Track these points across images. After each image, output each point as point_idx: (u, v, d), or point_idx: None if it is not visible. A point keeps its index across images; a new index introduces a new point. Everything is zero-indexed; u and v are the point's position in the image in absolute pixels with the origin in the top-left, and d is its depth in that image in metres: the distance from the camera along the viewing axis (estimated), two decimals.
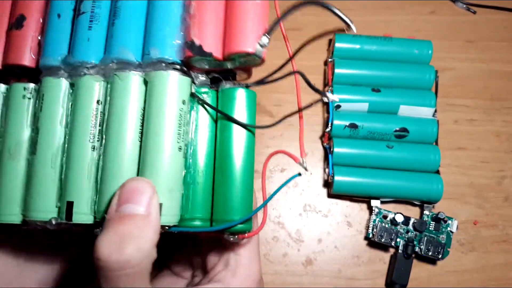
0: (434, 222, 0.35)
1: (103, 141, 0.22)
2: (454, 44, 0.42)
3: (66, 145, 0.23)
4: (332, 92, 0.36)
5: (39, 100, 0.23)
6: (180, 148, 0.22)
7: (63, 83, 0.24)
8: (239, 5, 0.23)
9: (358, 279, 0.35)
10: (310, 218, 0.37)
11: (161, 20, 0.23)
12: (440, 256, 0.34)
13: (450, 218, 0.35)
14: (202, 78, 0.24)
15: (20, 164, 0.24)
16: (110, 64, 0.23)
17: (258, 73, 0.25)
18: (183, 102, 0.22)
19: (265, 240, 0.36)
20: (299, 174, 0.24)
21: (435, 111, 0.37)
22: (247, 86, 0.24)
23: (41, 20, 0.25)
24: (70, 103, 0.23)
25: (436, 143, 0.36)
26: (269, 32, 0.22)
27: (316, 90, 0.22)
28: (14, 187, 0.24)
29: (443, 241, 0.34)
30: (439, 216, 0.34)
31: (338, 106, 0.36)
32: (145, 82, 0.23)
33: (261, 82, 0.24)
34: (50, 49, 0.24)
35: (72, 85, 0.24)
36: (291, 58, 0.24)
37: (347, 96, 0.36)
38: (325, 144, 0.37)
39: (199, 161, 0.23)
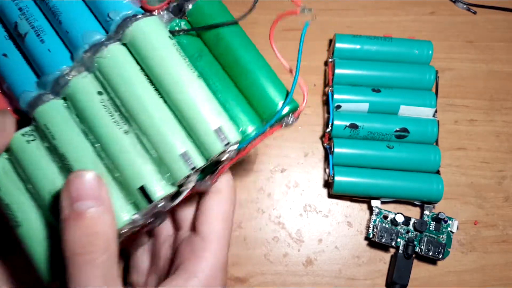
0: (434, 222, 0.35)
1: (131, 121, 0.22)
2: (454, 44, 0.42)
3: (98, 149, 0.22)
4: (332, 92, 0.36)
5: (45, 132, 0.22)
6: (199, 76, 0.22)
7: (56, 103, 0.22)
8: None
9: (358, 279, 0.35)
10: (311, 218, 0.37)
11: None
12: (440, 256, 0.34)
13: (450, 218, 0.35)
14: (166, 15, 0.24)
15: None
16: (85, 54, 0.22)
17: None
18: (170, 38, 0.22)
19: (265, 240, 0.36)
20: (309, 22, 0.23)
21: (436, 111, 0.37)
22: None
23: None
24: (75, 115, 0.22)
25: (436, 143, 0.36)
26: None
27: None
28: None
29: (443, 241, 0.34)
30: (439, 216, 0.34)
31: (339, 107, 0.37)
32: (125, 46, 0.22)
33: None
34: (19, 87, 0.23)
35: (64, 99, 0.23)
36: None
37: (347, 97, 0.36)
38: (325, 144, 0.37)
39: (216, 80, 0.23)
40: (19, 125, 0.23)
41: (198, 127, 0.21)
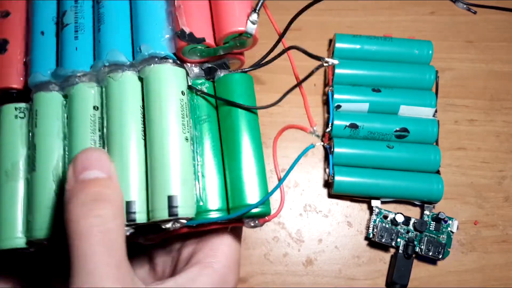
0: (434, 222, 0.35)
1: (105, 146, 0.22)
2: (454, 44, 0.42)
3: (66, 157, 0.22)
4: (332, 92, 0.36)
5: (33, 117, 0.23)
6: (186, 139, 0.21)
7: (56, 96, 0.23)
8: None
9: (358, 279, 0.35)
10: (311, 218, 0.37)
11: (148, 17, 0.23)
12: (440, 256, 0.34)
13: (450, 218, 0.35)
14: (196, 70, 0.24)
15: (19, 185, 0.23)
16: (102, 68, 0.22)
17: (251, 61, 0.25)
18: (182, 93, 0.22)
19: (265, 240, 0.36)
20: (313, 146, 0.24)
21: (436, 111, 0.37)
22: (242, 70, 0.24)
23: (24, 41, 0.25)
24: (66, 115, 0.23)
25: (437, 143, 0.36)
26: (256, 8, 0.22)
27: (314, 56, 0.21)
28: (14, 209, 0.22)
29: (443, 241, 0.34)
30: (439, 216, 0.34)
31: (339, 106, 0.37)
32: (140, 79, 0.22)
33: (257, 65, 0.24)
34: (37, 66, 0.24)
35: (65, 97, 0.23)
36: (281, 38, 0.24)
37: (347, 96, 0.36)
38: (325, 144, 0.37)
39: (205, 152, 0.23)
40: (18, 99, 0.24)
41: (158, 185, 0.20)
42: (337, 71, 0.37)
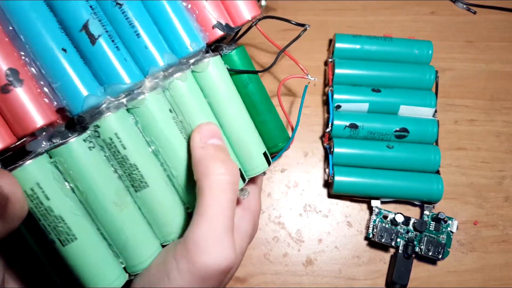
0: (434, 222, 0.35)
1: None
2: (454, 44, 0.42)
3: (161, 158, 0.23)
4: (332, 92, 0.36)
5: (110, 142, 0.21)
6: (246, 111, 0.27)
7: (125, 114, 0.22)
8: None
9: (358, 279, 0.35)
10: (311, 218, 0.37)
11: (181, 16, 0.24)
12: (440, 256, 0.34)
13: (450, 218, 0.35)
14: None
15: (135, 207, 0.22)
16: (162, 73, 0.23)
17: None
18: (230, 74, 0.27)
19: (265, 240, 0.36)
20: (309, 83, 0.30)
21: (435, 111, 0.37)
22: (232, 41, 0.28)
23: (36, 64, 0.20)
24: (139, 125, 0.22)
25: (436, 143, 0.36)
26: None
27: (290, 22, 0.29)
28: (143, 229, 0.23)
29: (443, 241, 0.34)
30: (439, 216, 0.34)
31: (339, 106, 0.37)
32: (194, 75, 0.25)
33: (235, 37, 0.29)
34: (81, 90, 0.20)
35: (128, 110, 0.22)
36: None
37: (347, 96, 0.36)
38: (325, 144, 0.37)
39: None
40: (67, 126, 0.21)
41: (252, 151, 0.26)
42: (337, 71, 0.37)
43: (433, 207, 0.36)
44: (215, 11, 0.25)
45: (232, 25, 0.26)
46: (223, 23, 0.25)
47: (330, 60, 0.38)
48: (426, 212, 0.35)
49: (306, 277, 0.35)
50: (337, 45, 0.38)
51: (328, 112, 0.37)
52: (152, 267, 0.22)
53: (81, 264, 0.21)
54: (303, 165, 0.38)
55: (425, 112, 0.37)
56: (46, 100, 0.20)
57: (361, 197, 0.36)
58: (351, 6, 0.43)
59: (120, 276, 0.22)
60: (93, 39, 0.20)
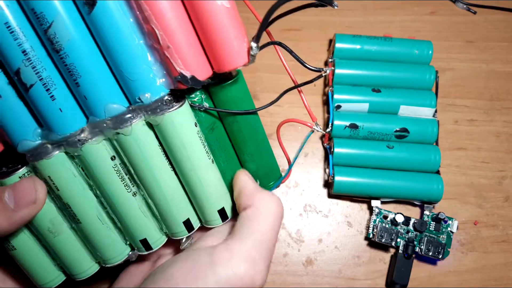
0: (434, 222, 0.35)
1: (141, 187, 0.24)
2: (454, 44, 0.42)
3: (103, 200, 0.24)
4: (332, 93, 0.36)
5: (46, 182, 0.23)
6: (212, 161, 0.24)
7: (61, 157, 0.22)
8: (208, 19, 0.19)
9: (358, 279, 0.35)
10: (311, 218, 0.37)
11: (130, 60, 0.20)
12: (440, 256, 0.34)
13: (450, 218, 0.35)
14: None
15: (69, 234, 0.25)
16: (104, 125, 0.21)
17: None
18: (195, 125, 0.23)
19: None
20: (312, 131, 0.28)
21: (436, 111, 0.37)
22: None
23: None
24: (80, 167, 0.23)
25: (436, 143, 0.36)
26: (257, 38, 0.21)
27: (305, 65, 0.23)
28: (76, 250, 0.25)
29: (443, 241, 0.34)
30: (439, 216, 0.34)
31: (339, 107, 0.37)
32: (148, 123, 0.22)
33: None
34: (16, 132, 0.21)
35: (67, 153, 0.22)
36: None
37: (347, 97, 0.36)
38: (325, 144, 0.37)
39: (222, 153, 0.26)
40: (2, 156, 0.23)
41: (205, 207, 0.25)
42: (337, 71, 0.37)
43: (433, 207, 0.36)
44: (190, 57, 0.20)
45: (212, 69, 0.22)
46: (189, 76, 0.20)
47: (330, 60, 0.38)
48: (426, 212, 0.35)
49: (306, 277, 0.35)
50: (337, 45, 0.38)
51: (328, 112, 0.37)
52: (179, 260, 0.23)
53: (24, 266, 0.25)
54: (303, 165, 0.38)
55: (425, 112, 0.37)
56: None
57: (361, 197, 0.36)
58: (351, 6, 0.43)
59: (58, 277, 0.26)
60: (25, 88, 0.20)
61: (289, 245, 0.36)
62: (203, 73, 0.21)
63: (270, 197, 0.24)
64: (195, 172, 0.23)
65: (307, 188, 0.38)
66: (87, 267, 0.26)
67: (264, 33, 0.22)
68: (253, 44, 0.21)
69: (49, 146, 0.22)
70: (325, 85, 0.40)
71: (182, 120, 0.22)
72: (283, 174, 0.29)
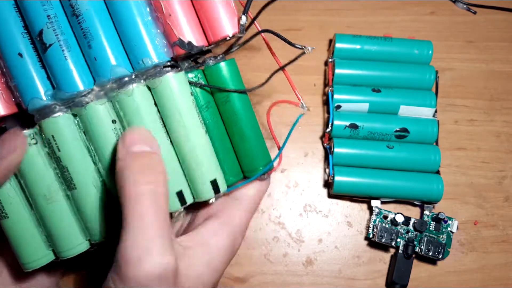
0: (434, 222, 0.35)
1: None
2: (454, 44, 0.42)
3: (99, 167, 0.24)
4: (332, 93, 0.36)
5: (49, 142, 0.23)
6: (206, 132, 0.25)
7: (66, 118, 0.23)
8: None
9: (358, 279, 0.35)
10: (311, 218, 0.37)
11: (137, 27, 0.23)
12: (440, 256, 0.34)
13: (450, 218, 0.35)
14: (186, 64, 0.26)
15: (63, 203, 0.25)
16: (109, 85, 0.23)
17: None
18: (191, 94, 0.24)
19: (265, 240, 0.36)
20: (302, 115, 0.27)
21: (435, 111, 0.37)
22: (225, 53, 0.26)
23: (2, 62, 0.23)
24: (82, 131, 0.24)
25: (436, 143, 0.36)
26: (246, 11, 0.24)
27: (292, 44, 0.24)
28: (68, 223, 0.25)
29: (443, 241, 0.34)
30: (439, 216, 0.34)
31: (339, 107, 0.37)
32: (148, 87, 0.24)
33: (230, 49, 0.26)
34: (29, 91, 0.23)
35: (74, 115, 0.24)
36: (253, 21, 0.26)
37: (347, 97, 0.36)
38: (325, 144, 0.37)
39: (216, 131, 0.26)
40: (17, 119, 0.24)
41: (197, 176, 0.25)
42: (337, 71, 0.37)
43: (433, 207, 0.36)
44: (187, 24, 0.24)
45: (207, 41, 0.24)
46: (186, 41, 0.23)
47: (330, 60, 0.38)
48: (426, 212, 0.35)
49: (306, 277, 0.35)
50: (337, 45, 0.38)
51: (328, 112, 0.37)
52: None
53: (13, 239, 0.25)
54: (303, 165, 0.38)
55: (425, 112, 0.37)
56: (4, 95, 0.24)
57: (361, 197, 0.36)
58: (351, 6, 0.43)
59: (46, 256, 0.25)
60: (44, 47, 0.22)
61: (289, 245, 0.36)
62: (198, 41, 0.24)
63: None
64: (188, 138, 0.24)
65: (307, 188, 0.38)
66: (76, 243, 0.25)
67: (262, 33, 0.25)
68: (243, 16, 0.24)
69: (57, 106, 0.23)
70: (325, 85, 0.40)
71: (178, 86, 0.24)
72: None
